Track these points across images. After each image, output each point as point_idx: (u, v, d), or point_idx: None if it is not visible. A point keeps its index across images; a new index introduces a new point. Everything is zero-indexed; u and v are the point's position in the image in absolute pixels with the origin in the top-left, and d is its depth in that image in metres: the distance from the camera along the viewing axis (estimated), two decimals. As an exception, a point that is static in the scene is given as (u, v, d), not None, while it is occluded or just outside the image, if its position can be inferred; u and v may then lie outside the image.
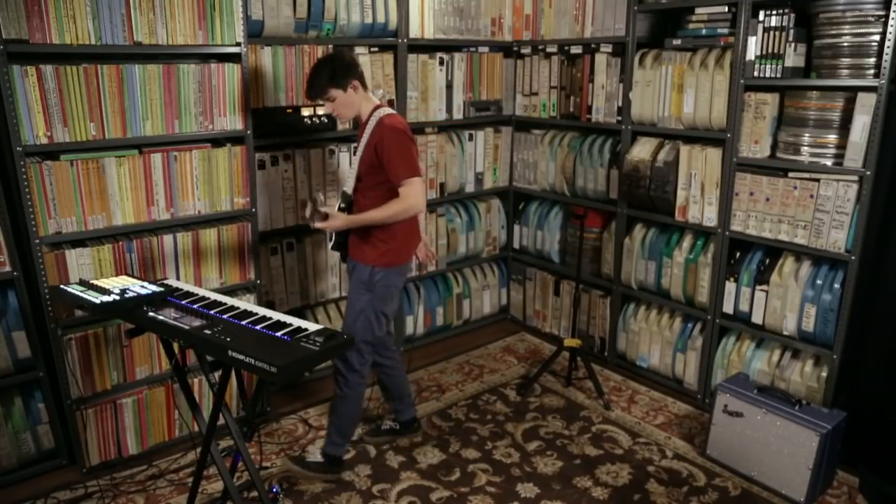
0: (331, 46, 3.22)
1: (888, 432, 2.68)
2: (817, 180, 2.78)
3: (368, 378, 2.74)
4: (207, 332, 1.91)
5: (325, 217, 2.53)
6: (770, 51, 2.85)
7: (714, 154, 3.10)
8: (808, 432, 2.57)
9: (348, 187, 2.67)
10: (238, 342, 1.84)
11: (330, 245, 2.72)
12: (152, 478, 2.75)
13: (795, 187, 2.84)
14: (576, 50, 3.69)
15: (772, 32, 2.83)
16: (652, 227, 3.51)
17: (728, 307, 3.16)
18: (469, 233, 4.07)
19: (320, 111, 3.20)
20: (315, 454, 2.75)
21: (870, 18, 2.59)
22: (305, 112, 3.17)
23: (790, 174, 2.87)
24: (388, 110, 2.60)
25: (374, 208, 2.54)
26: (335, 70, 2.50)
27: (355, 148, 2.66)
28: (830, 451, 2.61)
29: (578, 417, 3.24)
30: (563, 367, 3.63)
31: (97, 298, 2.09)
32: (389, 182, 2.52)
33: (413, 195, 2.49)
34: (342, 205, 2.66)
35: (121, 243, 2.70)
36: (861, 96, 2.61)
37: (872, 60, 2.60)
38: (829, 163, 2.77)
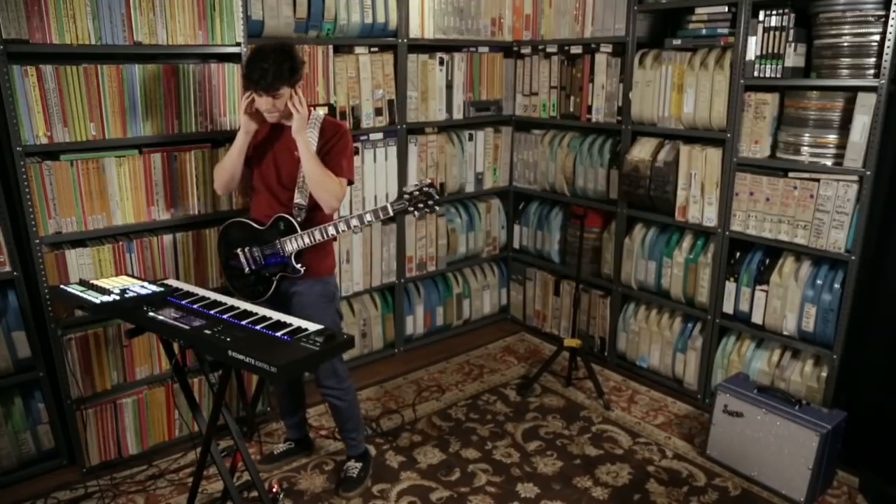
0: (331, 46, 3.22)
1: (888, 432, 2.67)
2: (817, 180, 2.78)
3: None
4: (207, 332, 1.91)
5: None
6: (770, 51, 2.85)
7: (714, 154, 3.10)
8: (808, 432, 2.57)
9: (301, 196, 2.45)
10: (238, 342, 1.84)
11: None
12: (152, 478, 2.75)
13: (795, 187, 2.84)
14: (576, 50, 3.69)
15: (772, 32, 2.83)
16: (652, 227, 3.51)
17: (728, 307, 3.16)
18: (469, 233, 4.07)
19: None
20: (353, 467, 2.72)
21: (870, 18, 2.59)
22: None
23: (790, 174, 2.87)
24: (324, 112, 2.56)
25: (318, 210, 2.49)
26: (294, 66, 2.31)
27: (254, 152, 2.49)
28: (830, 451, 2.61)
29: (578, 417, 3.24)
30: (563, 367, 3.63)
31: (97, 298, 2.09)
32: None
33: (341, 196, 2.45)
34: (299, 220, 2.46)
35: (121, 243, 2.70)
36: (861, 96, 2.61)
37: (872, 60, 2.60)
38: (829, 163, 2.77)
